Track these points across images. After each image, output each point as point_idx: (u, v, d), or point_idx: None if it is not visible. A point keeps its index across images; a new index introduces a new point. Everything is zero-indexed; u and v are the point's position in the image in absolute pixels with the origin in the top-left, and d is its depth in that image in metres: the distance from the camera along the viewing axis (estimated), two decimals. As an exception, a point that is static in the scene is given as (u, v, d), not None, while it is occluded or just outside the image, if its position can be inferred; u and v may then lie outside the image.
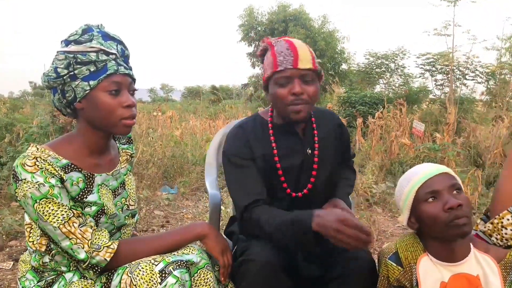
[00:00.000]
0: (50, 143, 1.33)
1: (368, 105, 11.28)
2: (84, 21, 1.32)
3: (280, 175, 1.58)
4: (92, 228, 1.27)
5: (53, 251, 1.29)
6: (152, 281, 1.18)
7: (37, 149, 1.27)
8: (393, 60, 15.08)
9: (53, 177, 1.24)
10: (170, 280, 1.18)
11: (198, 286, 1.29)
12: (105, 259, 1.25)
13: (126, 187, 1.46)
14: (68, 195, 1.27)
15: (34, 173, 1.21)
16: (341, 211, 1.30)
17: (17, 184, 1.21)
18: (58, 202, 1.23)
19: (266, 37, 1.68)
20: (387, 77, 15.28)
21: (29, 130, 4.82)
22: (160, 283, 1.17)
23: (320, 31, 18.49)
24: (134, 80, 1.34)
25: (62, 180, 1.25)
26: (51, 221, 1.21)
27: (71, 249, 1.23)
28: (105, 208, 1.33)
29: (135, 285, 1.18)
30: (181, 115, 12.88)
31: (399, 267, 1.37)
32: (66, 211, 1.24)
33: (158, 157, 5.60)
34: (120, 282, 1.22)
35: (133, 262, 1.25)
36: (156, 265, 1.21)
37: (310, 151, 1.63)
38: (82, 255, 1.24)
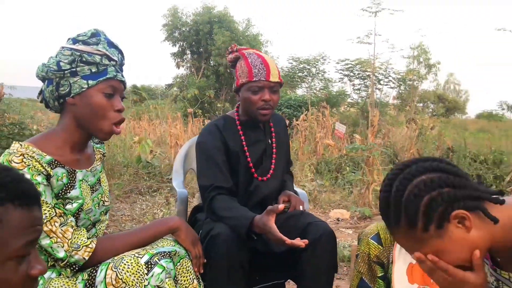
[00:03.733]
0: (32, 139, 1.34)
1: (293, 107, 11.74)
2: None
3: (248, 161, 1.86)
4: (73, 228, 1.30)
5: None
6: (139, 272, 1.23)
7: (21, 145, 1.28)
8: (314, 65, 15.82)
9: (39, 174, 1.25)
10: (157, 270, 1.24)
11: (181, 274, 1.36)
12: (84, 257, 1.28)
13: (101, 183, 1.50)
14: (52, 193, 1.28)
15: (21, 170, 1.23)
16: (269, 223, 1.58)
17: None
18: (42, 200, 1.24)
19: (234, 44, 1.96)
20: (309, 81, 16.01)
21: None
22: (147, 274, 1.23)
23: (244, 34, 18.80)
24: (125, 87, 1.42)
25: (48, 177, 1.27)
26: None
27: (51, 247, 1.25)
28: (84, 203, 1.36)
29: (121, 279, 1.22)
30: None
31: (380, 246, 1.57)
32: (48, 210, 1.25)
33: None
34: (105, 277, 1.25)
35: (116, 257, 1.28)
36: (141, 258, 1.26)
37: (270, 141, 1.94)
38: (61, 254, 1.26)
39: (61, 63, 1.31)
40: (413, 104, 12.14)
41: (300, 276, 1.70)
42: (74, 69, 1.31)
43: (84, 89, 1.32)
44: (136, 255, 1.27)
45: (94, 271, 1.30)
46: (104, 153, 1.57)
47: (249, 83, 1.78)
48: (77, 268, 1.29)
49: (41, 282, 1.29)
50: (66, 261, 1.27)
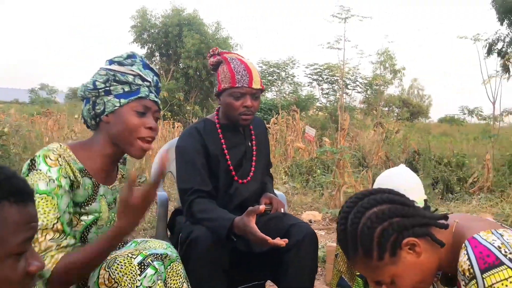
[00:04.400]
0: (71, 144, 1.37)
1: (264, 111, 11.85)
2: None
3: (228, 165, 1.88)
4: (56, 249, 1.23)
5: None
6: (132, 273, 1.24)
7: (60, 146, 1.31)
8: (284, 69, 16.01)
9: (66, 178, 1.27)
10: (149, 271, 1.26)
11: (171, 277, 1.38)
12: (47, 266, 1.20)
13: (116, 204, 1.50)
14: (70, 202, 1.29)
15: (52, 167, 1.25)
16: (250, 224, 1.61)
17: (29, 173, 1.24)
18: (55, 204, 1.24)
19: (215, 47, 1.98)
20: (278, 85, 16.17)
21: None
22: (140, 275, 1.25)
23: (214, 37, 18.80)
24: (160, 108, 1.46)
25: (72, 185, 1.29)
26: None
27: None
28: (100, 218, 1.38)
29: (114, 279, 1.24)
30: (68, 118, 12.06)
31: None
32: (51, 219, 1.23)
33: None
34: (98, 277, 1.26)
35: (108, 258, 1.29)
36: (134, 258, 1.27)
37: (250, 144, 1.97)
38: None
39: (97, 82, 1.37)
40: (379, 109, 12.49)
41: (282, 276, 1.74)
42: (108, 88, 1.36)
43: (116, 107, 1.36)
44: (130, 255, 1.29)
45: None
46: (123, 174, 1.59)
47: (232, 89, 1.80)
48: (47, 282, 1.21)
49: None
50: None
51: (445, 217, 1.17)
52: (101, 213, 1.39)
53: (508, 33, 7.94)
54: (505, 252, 1.02)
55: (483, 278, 1.01)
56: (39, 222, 1.20)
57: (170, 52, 19.27)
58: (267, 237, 1.58)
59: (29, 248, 0.82)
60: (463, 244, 1.07)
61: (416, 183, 1.73)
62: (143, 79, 1.40)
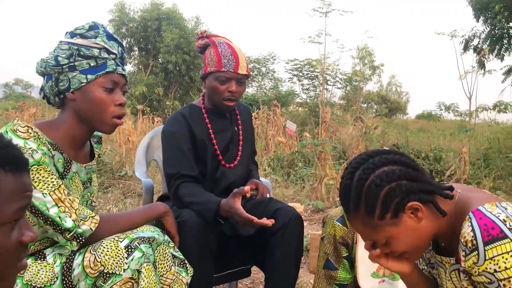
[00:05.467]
0: (37, 123, 1.32)
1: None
2: None
3: (215, 149, 1.88)
4: (78, 199, 1.29)
5: None
6: (119, 256, 1.22)
7: (23, 122, 1.26)
8: (264, 64, 16.02)
9: (44, 145, 1.24)
10: (137, 254, 1.24)
11: (158, 261, 1.36)
12: (91, 228, 1.27)
13: (92, 183, 1.48)
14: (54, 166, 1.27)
15: (27, 139, 1.21)
16: (235, 205, 1.63)
17: None
18: (49, 170, 1.22)
19: (204, 30, 1.97)
20: (259, 80, 16.18)
21: None
22: (127, 258, 1.23)
23: (193, 31, 18.66)
24: (127, 81, 1.40)
25: (51, 152, 1.26)
26: (41, 188, 1.20)
27: (59, 217, 1.23)
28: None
29: (100, 262, 1.22)
30: (44, 113, 11.82)
31: (345, 228, 1.66)
32: (55, 179, 1.24)
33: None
34: (83, 260, 1.24)
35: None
36: (121, 242, 1.25)
37: (236, 129, 1.97)
38: (69, 224, 1.24)
39: (59, 58, 1.30)
40: (358, 104, 12.64)
41: (268, 259, 1.75)
42: (73, 64, 1.30)
43: (83, 84, 1.31)
44: (116, 238, 1.27)
45: (72, 254, 1.29)
46: (99, 154, 1.56)
47: (217, 73, 1.80)
48: (83, 241, 1.27)
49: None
50: (73, 231, 1.25)
51: (451, 188, 1.18)
52: (73, 192, 1.35)
53: (484, 29, 8.14)
54: (510, 225, 1.03)
55: (485, 250, 1.02)
56: (51, 185, 1.21)
57: (149, 46, 19.03)
58: (253, 217, 1.60)
59: (23, 219, 0.80)
60: (467, 216, 1.08)
61: None
62: (109, 52, 1.34)
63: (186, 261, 1.46)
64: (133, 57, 19.57)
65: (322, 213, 4.42)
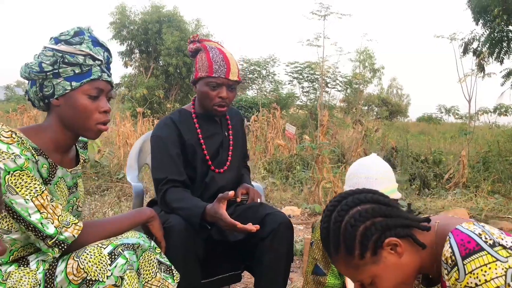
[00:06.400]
0: (21, 128, 1.31)
1: (244, 108, 11.84)
2: None
3: (205, 154, 1.88)
4: (62, 205, 1.28)
5: None
6: (102, 263, 1.21)
7: (6, 127, 1.24)
8: (264, 67, 16.03)
9: (28, 151, 1.23)
10: (120, 261, 1.23)
11: (143, 267, 1.35)
12: (73, 235, 1.26)
13: (78, 188, 1.47)
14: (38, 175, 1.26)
15: (10, 144, 1.20)
16: (220, 210, 1.62)
17: None
18: (32, 176, 1.21)
19: (196, 34, 1.97)
20: (259, 83, 16.20)
21: None
22: (110, 265, 1.22)
23: (194, 34, 18.68)
24: (113, 87, 1.39)
25: (34, 158, 1.25)
26: (23, 193, 1.20)
27: (41, 223, 1.22)
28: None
29: (83, 269, 1.21)
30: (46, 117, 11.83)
31: None
32: (38, 185, 1.23)
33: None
34: (66, 267, 1.23)
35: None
36: (104, 248, 1.24)
37: (226, 133, 1.97)
38: (51, 230, 1.23)
39: (43, 64, 1.29)
40: (358, 107, 12.62)
41: (258, 265, 1.75)
42: (57, 71, 1.29)
43: (67, 91, 1.30)
44: (100, 245, 1.26)
45: (55, 261, 1.28)
46: (85, 159, 1.55)
47: (208, 78, 1.79)
48: (64, 247, 1.26)
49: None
50: (55, 238, 1.24)
51: (427, 219, 1.18)
52: (58, 197, 1.35)
53: (483, 32, 8.10)
54: (485, 238, 1.03)
55: (464, 265, 1.02)
56: (33, 191, 1.22)
57: (150, 49, 19.07)
58: (236, 222, 1.59)
59: None
60: (447, 236, 1.08)
61: (388, 171, 1.75)
62: (94, 59, 1.33)
63: (172, 267, 1.45)
64: (133, 59, 19.60)
65: (319, 217, 4.41)
